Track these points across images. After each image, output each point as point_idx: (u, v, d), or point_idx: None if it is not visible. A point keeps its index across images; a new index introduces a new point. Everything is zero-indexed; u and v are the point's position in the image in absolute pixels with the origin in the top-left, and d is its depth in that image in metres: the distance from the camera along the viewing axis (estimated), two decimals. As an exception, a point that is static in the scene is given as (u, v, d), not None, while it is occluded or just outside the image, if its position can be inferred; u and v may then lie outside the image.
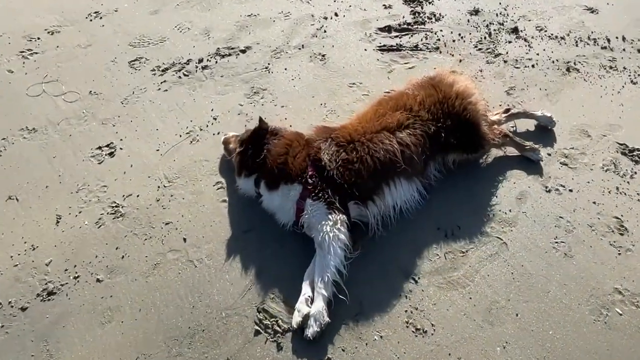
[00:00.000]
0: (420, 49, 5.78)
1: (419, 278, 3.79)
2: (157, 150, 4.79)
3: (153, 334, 3.53)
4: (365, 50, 5.82)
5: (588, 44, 5.92)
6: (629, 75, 5.49)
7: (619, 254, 4.02)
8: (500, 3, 6.58)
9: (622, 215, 4.25)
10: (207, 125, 5.01)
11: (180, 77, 5.55)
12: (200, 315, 3.62)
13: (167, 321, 3.60)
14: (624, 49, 5.84)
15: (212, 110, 5.16)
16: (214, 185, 4.48)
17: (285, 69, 5.60)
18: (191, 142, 4.86)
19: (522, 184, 4.46)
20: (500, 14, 6.39)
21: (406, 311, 3.61)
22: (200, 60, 5.72)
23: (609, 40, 5.93)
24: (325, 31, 6.11)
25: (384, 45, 5.83)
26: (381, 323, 3.55)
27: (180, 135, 4.91)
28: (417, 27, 6.06)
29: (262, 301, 3.70)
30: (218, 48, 5.87)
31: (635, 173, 4.55)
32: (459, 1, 6.62)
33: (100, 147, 4.85)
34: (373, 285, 3.77)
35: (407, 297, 3.68)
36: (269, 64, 5.67)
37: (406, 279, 3.78)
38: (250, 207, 4.30)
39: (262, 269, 3.89)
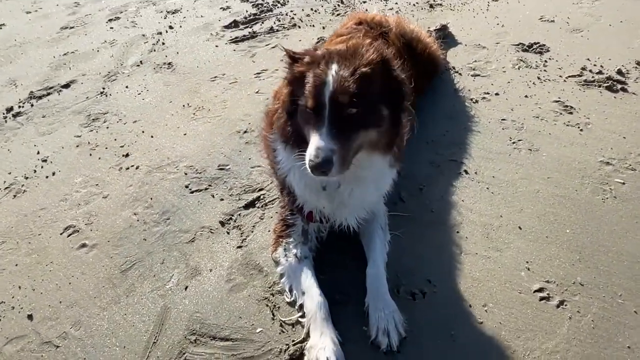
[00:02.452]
0: (277, 30, 5.06)
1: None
2: (-39, 221, 3.23)
3: None
4: (217, 46, 4.94)
5: (437, -15, 5.79)
6: (486, -4, 5.38)
7: (581, 130, 3.41)
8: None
9: (559, 98, 3.73)
10: (35, 171, 3.58)
11: (-18, 133, 4.09)
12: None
13: None
14: (470, -18, 5.79)
15: (37, 153, 3.75)
16: (62, 234, 3.03)
17: (127, 87, 4.44)
18: (14, 195, 3.37)
19: (445, 106, 3.77)
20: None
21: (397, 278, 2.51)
22: (9, 109, 4.31)
23: (453, -21, 5.87)
24: (163, 43, 5.13)
25: (236, 37, 5.02)
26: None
27: (-4, 194, 3.42)
28: (266, 15, 5.40)
29: (180, 351, 2.31)
30: (31, 92, 4.53)
31: (546, 61, 4.15)
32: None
33: None
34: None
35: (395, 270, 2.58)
36: (103, 88, 4.47)
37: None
38: (125, 238, 2.94)
39: (166, 307, 2.52)
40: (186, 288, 2.62)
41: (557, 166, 3.13)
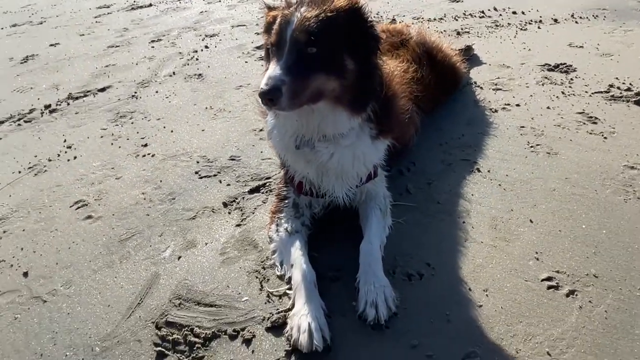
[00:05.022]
0: (306, 50, 5.25)
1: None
2: (-18, 193, 3.36)
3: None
4: (247, 62, 5.14)
5: (466, 17, 5.88)
6: (517, 26, 5.40)
7: (605, 137, 3.26)
8: (380, 7, 6.49)
9: (583, 110, 3.60)
10: (59, 155, 3.73)
11: (19, 124, 4.33)
12: (53, 364, 2.07)
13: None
14: (500, 15, 5.86)
15: (64, 141, 3.93)
16: (71, 206, 3.11)
17: (157, 92, 4.65)
18: (35, 174, 3.51)
19: (463, 114, 3.71)
20: (378, 13, 6.26)
21: (394, 260, 2.39)
22: (48, 106, 4.58)
23: (483, 12, 5.96)
24: (197, 59, 5.40)
25: (266, 56, 5.23)
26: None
27: (20, 172, 3.56)
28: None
29: (162, 313, 2.25)
30: (70, 94, 4.82)
31: (572, 79, 4.06)
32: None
33: None
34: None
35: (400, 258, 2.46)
36: (135, 92, 4.70)
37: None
38: (130, 212, 2.97)
39: (156, 273, 2.49)
40: (179, 258, 2.58)
41: (577, 168, 2.97)
